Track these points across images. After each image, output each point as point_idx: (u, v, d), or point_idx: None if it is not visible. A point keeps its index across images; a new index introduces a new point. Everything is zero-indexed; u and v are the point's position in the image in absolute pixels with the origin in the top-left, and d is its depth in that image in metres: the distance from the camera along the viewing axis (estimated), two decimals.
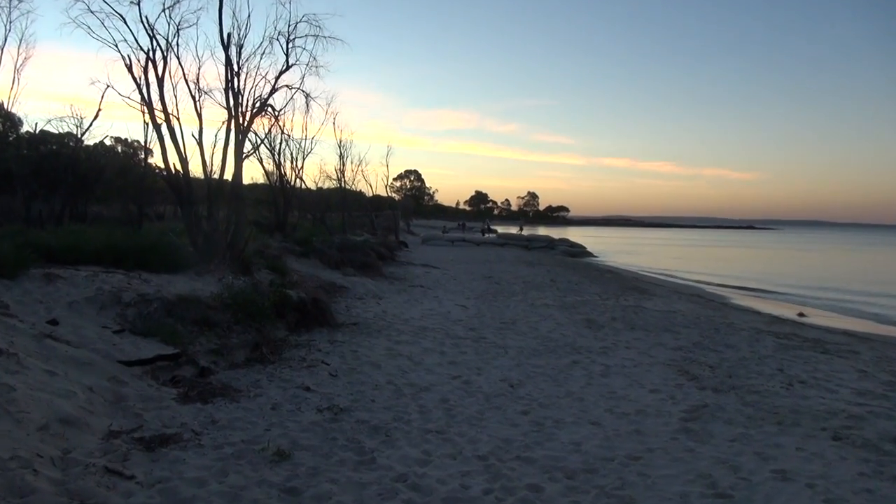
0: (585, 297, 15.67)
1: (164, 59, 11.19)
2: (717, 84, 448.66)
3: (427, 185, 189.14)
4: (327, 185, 35.81)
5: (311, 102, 27.18)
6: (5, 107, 16.74)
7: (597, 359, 8.66)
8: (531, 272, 22.77)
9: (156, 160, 24.90)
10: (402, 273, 19.35)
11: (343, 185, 34.42)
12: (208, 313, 7.84)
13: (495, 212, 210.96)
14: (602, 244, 57.95)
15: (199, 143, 11.87)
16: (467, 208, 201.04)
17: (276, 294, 9.16)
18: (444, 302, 13.81)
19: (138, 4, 11.03)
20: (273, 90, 12.94)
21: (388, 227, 40.90)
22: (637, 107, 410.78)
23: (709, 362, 8.65)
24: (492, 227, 65.22)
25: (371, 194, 44.56)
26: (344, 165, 34.18)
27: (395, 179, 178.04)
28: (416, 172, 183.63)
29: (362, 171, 37.59)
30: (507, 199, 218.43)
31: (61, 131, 19.37)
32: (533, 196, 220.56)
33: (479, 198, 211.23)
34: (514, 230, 64.22)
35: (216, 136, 12.03)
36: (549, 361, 8.38)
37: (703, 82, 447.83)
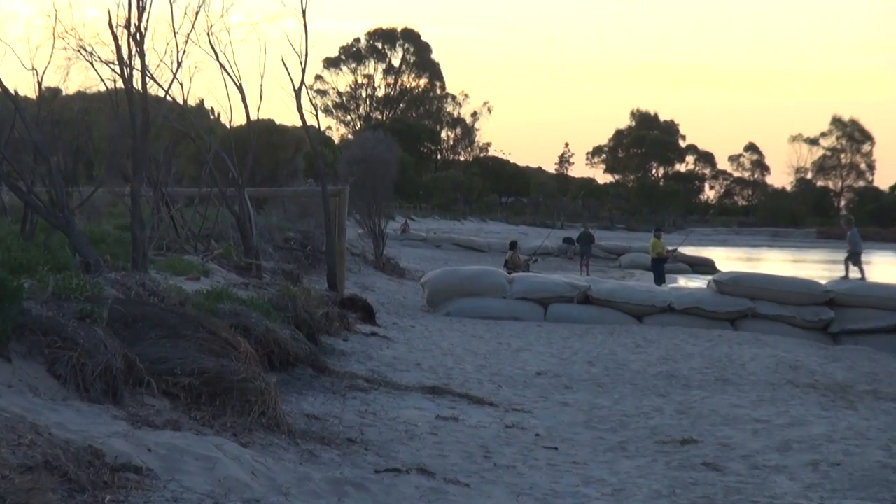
0: None
1: None
2: None
3: (450, 90, 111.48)
4: (80, 85, 21.37)
5: None
6: None
7: None
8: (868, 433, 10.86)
9: None
10: (350, 419, 10.37)
11: (142, 86, 18.72)
12: None
13: (706, 192, 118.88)
14: None
15: None
16: (599, 177, 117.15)
17: None
18: None
19: None
20: None
21: (304, 245, 26.14)
22: None
23: None
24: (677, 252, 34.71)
25: (245, 119, 25.08)
26: (143, 12, 18.11)
27: (331, 63, 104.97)
28: (411, 36, 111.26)
29: (211, 32, 19.54)
30: (751, 146, 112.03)
31: None
32: (856, 138, 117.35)
33: (650, 138, 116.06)
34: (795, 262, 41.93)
35: None
36: None
37: None
